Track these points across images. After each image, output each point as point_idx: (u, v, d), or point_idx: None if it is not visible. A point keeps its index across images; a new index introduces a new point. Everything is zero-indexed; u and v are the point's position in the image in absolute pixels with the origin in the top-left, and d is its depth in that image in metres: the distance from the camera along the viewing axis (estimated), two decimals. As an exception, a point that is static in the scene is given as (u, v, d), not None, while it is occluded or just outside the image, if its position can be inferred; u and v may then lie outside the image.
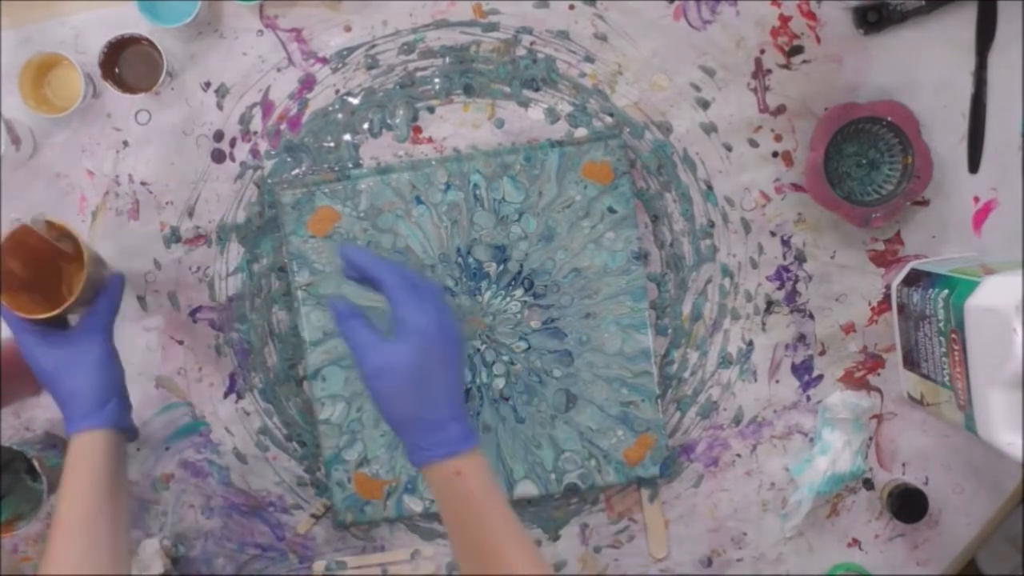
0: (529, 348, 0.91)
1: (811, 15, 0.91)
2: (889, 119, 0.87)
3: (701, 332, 0.94)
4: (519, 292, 0.91)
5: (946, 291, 0.80)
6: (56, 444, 0.90)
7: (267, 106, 0.91)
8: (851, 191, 0.92)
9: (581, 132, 0.92)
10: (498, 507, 0.70)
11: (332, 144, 0.92)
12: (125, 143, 0.91)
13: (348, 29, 0.91)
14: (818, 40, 0.91)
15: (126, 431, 0.81)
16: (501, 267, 0.90)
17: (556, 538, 0.95)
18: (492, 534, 0.69)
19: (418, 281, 0.72)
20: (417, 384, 0.69)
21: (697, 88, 0.92)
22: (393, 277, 0.71)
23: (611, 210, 0.90)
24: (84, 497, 0.75)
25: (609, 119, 0.92)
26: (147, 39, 0.86)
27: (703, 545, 0.95)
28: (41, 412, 0.93)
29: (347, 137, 0.92)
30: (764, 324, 0.94)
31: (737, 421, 0.94)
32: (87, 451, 0.77)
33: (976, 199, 0.93)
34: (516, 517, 0.71)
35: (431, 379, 0.69)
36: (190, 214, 0.92)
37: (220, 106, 0.91)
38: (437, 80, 0.92)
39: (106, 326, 0.81)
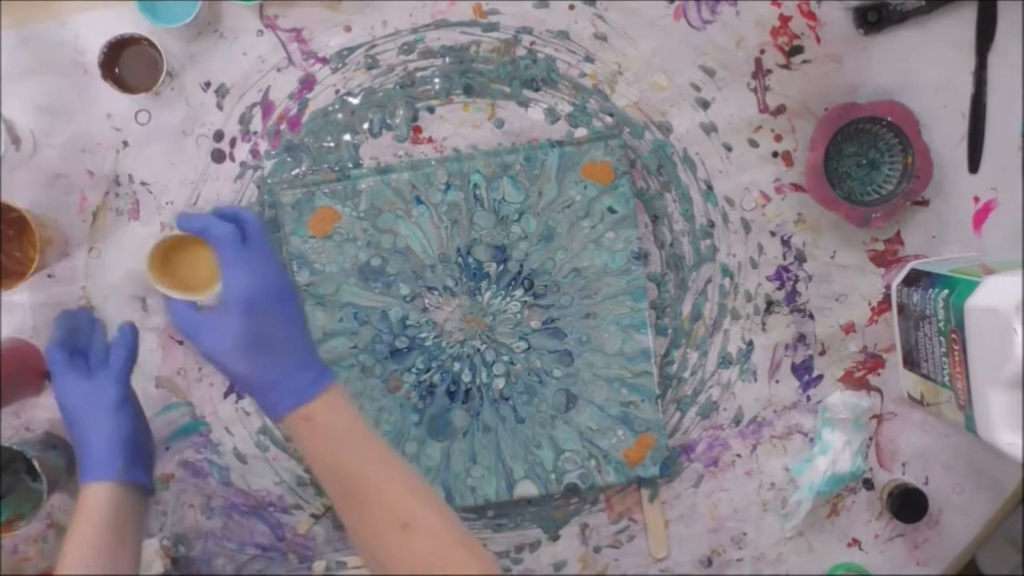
0: (529, 348, 0.91)
1: (811, 15, 0.91)
2: (889, 119, 0.87)
3: (701, 332, 0.94)
4: (519, 292, 0.91)
5: (946, 291, 0.80)
6: (56, 444, 0.90)
7: (267, 106, 0.91)
8: (851, 191, 0.92)
9: (581, 132, 0.92)
10: (357, 438, 0.69)
11: (332, 144, 0.92)
12: (125, 143, 0.91)
13: (348, 29, 0.91)
14: (818, 40, 0.91)
15: (140, 486, 0.81)
16: (501, 267, 0.90)
17: (556, 538, 0.95)
18: (352, 465, 0.68)
19: (250, 232, 0.70)
20: (251, 347, 0.68)
21: (697, 88, 0.92)
22: (222, 238, 0.69)
23: (611, 210, 0.90)
24: (82, 550, 0.75)
25: (609, 119, 0.92)
26: (147, 39, 0.86)
27: (703, 545, 0.95)
28: (41, 412, 0.93)
29: (347, 137, 0.92)
30: (764, 324, 0.94)
31: (737, 421, 0.94)
32: (91, 503, 0.77)
33: (976, 199, 0.93)
34: (382, 443, 0.70)
35: (265, 339, 0.68)
36: (190, 214, 0.92)
37: (220, 106, 0.91)
38: (437, 80, 0.92)
39: (119, 376, 0.81)
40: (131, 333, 0.84)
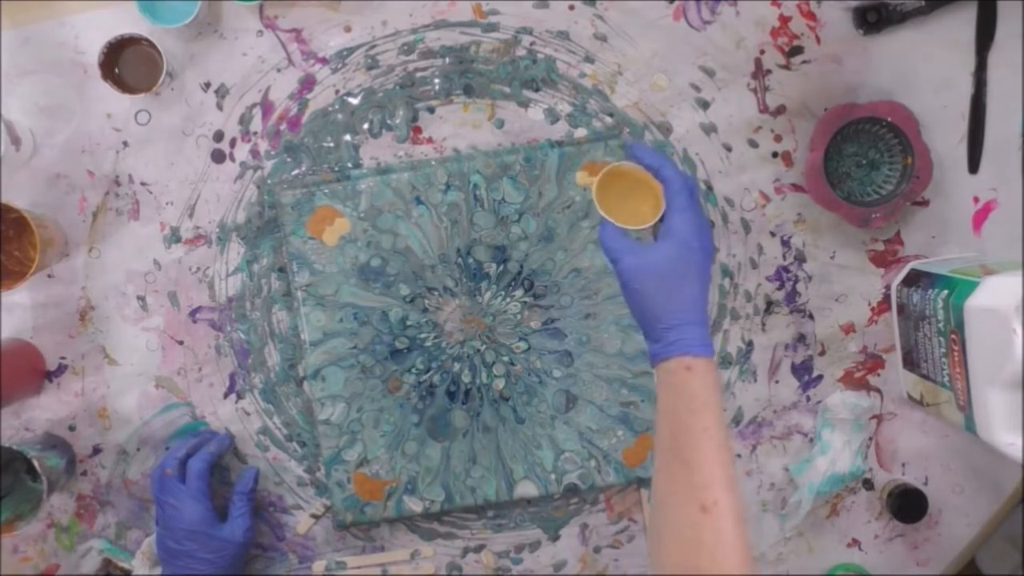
0: (529, 348, 0.91)
1: (811, 15, 0.91)
2: (889, 119, 0.87)
3: (701, 332, 0.94)
4: (519, 292, 0.91)
5: (946, 291, 0.80)
6: (56, 444, 0.91)
7: (267, 106, 0.91)
8: (851, 191, 0.92)
9: (581, 132, 0.92)
10: (712, 410, 0.71)
11: (332, 144, 0.92)
12: (125, 143, 0.91)
13: (348, 29, 0.91)
14: (818, 40, 0.91)
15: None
16: (501, 267, 0.90)
17: (556, 538, 0.95)
18: (695, 432, 0.70)
19: (695, 190, 0.76)
20: (669, 286, 0.72)
21: (697, 88, 0.92)
22: (677, 182, 0.74)
23: (611, 210, 0.90)
24: None
25: (609, 119, 0.92)
26: (147, 39, 0.86)
27: (703, 545, 0.95)
28: (41, 412, 0.93)
29: (347, 137, 0.92)
30: (764, 324, 0.94)
31: (737, 421, 0.94)
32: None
33: (976, 199, 0.93)
34: (726, 427, 0.73)
35: (683, 283, 0.72)
36: (190, 214, 0.92)
37: (220, 106, 0.91)
38: (437, 80, 0.92)
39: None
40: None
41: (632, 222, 0.76)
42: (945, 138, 0.92)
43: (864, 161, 0.92)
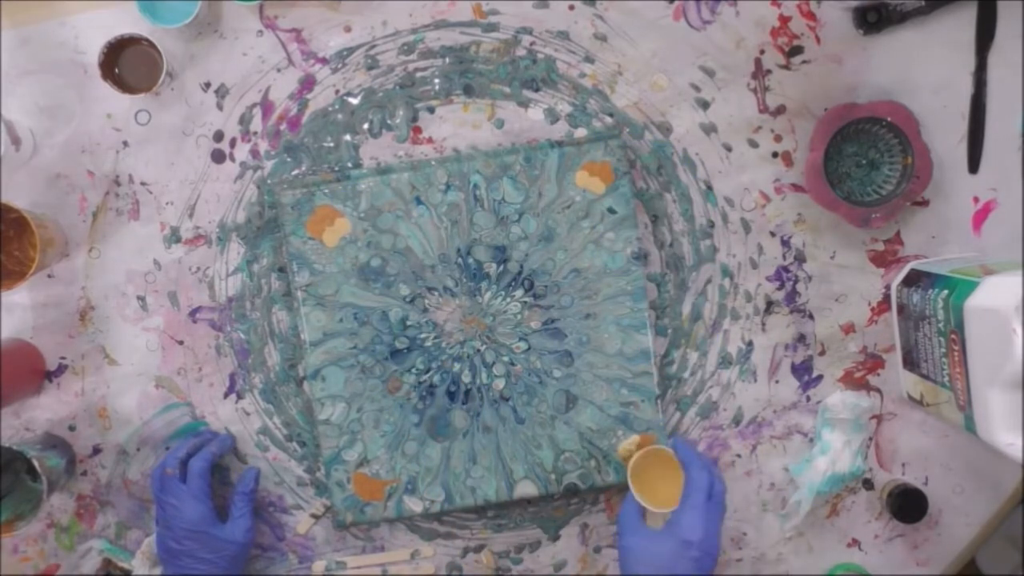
0: (529, 348, 0.91)
1: (811, 15, 0.91)
2: (889, 119, 0.87)
3: (701, 332, 0.94)
4: (519, 292, 0.91)
5: (946, 291, 0.80)
6: (56, 444, 0.91)
7: (267, 106, 0.91)
8: (851, 191, 0.92)
9: (581, 132, 0.92)
10: None
11: (332, 144, 0.92)
12: (125, 143, 0.91)
13: (348, 29, 0.91)
14: (818, 40, 0.91)
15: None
16: (501, 267, 0.90)
17: (556, 538, 0.95)
18: None
19: (719, 492, 0.80)
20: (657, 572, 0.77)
21: (697, 88, 0.92)
22: (699, 481, 0.79)
23: (611, 211, 0.90)
24: None
25: (609, 119, 0.92)
26: (147, 39, 0.86)
27: (703, 545, 0.95)
28: (41, 412, 0.93)
29: (347, 137, 0.92)
30: (764, 324, 0.94)
31: (737, 421, 0.94)
32: None
33: (976, 199, 0.93)
34: None
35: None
36: (190, 214, 0.92)
37: (220, 106, 0.91)
38: (437, 80, 0.92)
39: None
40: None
41: (654, 502, 0.84)
42: (945, 138, 0.92)
43: (864, 161, 0.92)
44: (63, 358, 0.93)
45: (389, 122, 0.92)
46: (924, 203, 0.92)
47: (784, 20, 0.91)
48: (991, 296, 0.74)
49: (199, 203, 0.92)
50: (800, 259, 0.93)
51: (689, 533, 0.77)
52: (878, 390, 0.94)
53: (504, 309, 0.91)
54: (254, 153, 0.92)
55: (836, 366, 0.94)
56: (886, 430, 0.95)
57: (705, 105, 0.92)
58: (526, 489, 0.92)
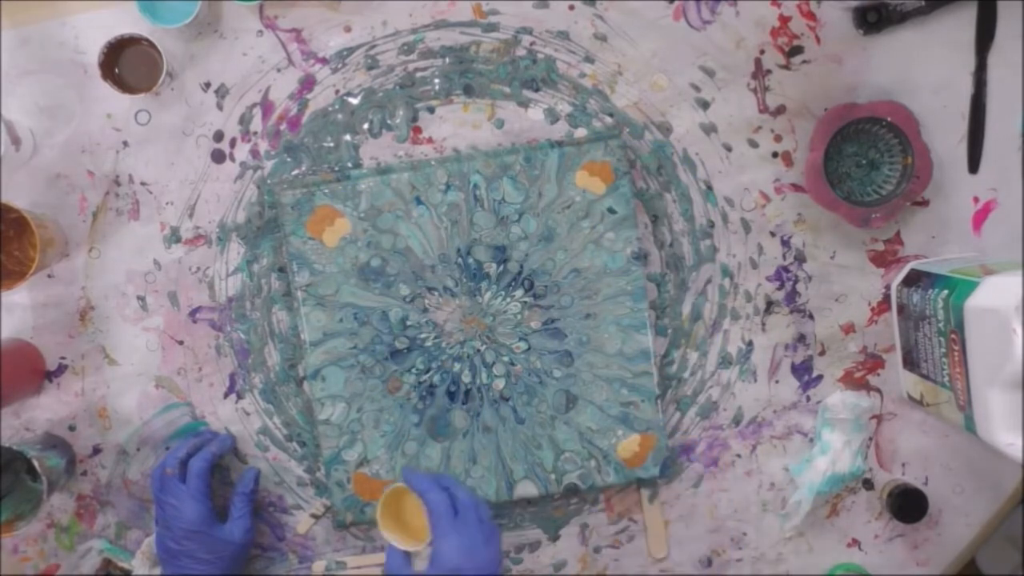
0: (529, 349, 0.91)
1: (811, 15, 0.91)
2: (889, 119, 0.87)
3: (701, 332, 0.94)
4: (519, 292, 0.91)
5: (946, 291, 0.80)
6: (56, 444, 0.91)
7: (267, 106, 0.91)
8: (851, 191, 0.92)
9: (581, 132, 0.92)
10: None
11: (332, 144, 0.92)
12: (125, 143, 0.91)
13: (348, 29, 0.91)
14: (818, 40, 0.91)
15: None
16: (501, 267, 0.90)
17: (556, 538, 0.95)
18: None
19: (465, 503, 0.78)
20: None
21: (697, 88, 0.92)
22: (438, 506, 0.77)
23: (611, 211, 0.90)
24: None
25: (609, 119, 0.92)
26: (147, 39, 0.86)
27: (703, 545, 0.95)
28: (41, 412, 0.93)
29: (347, 137, 0.92)
30: (764, 324, 0.94)
31: (737, 421, 0.94)
32: None
33: (976, 199, 0.93)
34: None
35: None
36: (190, 214, 0.92)
37: (220, 106, 0.91)
38: (437, 80, 0.92)
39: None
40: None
41: (413, 542, 0.82)
42: (945, 138, 0.92)
43: (864, 161, 0.92)
44: (63, 358, 0.93)
45: (389, 122, 0.92)
46: (924, 203, 0.92)
47: (784, 20, 0.91)
48: (991, 296, 0.74)
49: (199, 203, 0.92)
50: (800, 259, 0.93)
51: (448, 560, 0.75)
52: (878, 390, 0.94)
53: (504, 309, 0.91)
54: (254, 153, 0.92)
55: (836, 366, 0.94)
56: (886, 430, 0.95)
57: (705, 105, 0.92)
58: (526, 489, 0.92)
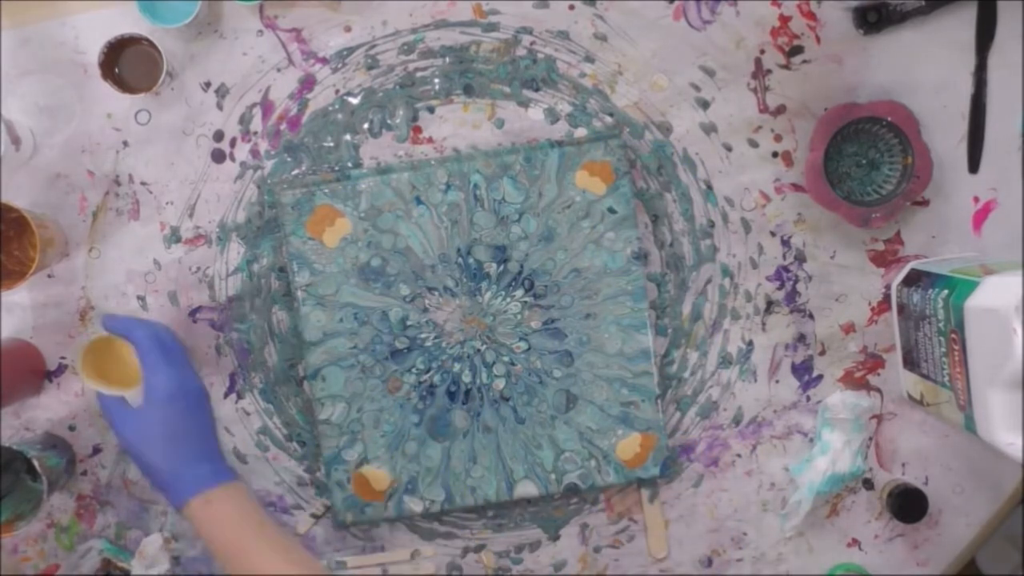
0: (529, 348, 0.91)
1: (811, 15, 0.91)
2: (889, 119, 0.87)
3: (701, 332, 0.94)
4: (519, 292, 0.91)
5: (946, 291, 0.80)
6: (56, 444, 0.91)
7: (267, 106, 0.92)
8: (851, 191, 0.92)
9: (581, 132, 0.92)
10: (246, 529, 0.76)
11: (332, 144, 0.92)
12: (125, 143, 0.91)
13: (348, 29, 0.91)
14: (818, 40, 0.91)
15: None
16: (501, 267, 0.90)
17: (556, 538, 0.95)
18: (240, 559, 0.75)
19: (168, 343, 0.81)
20: (166, 440, 0.78)
21: (697, 88, 0.92)
22: (145, 341, 0.79)
23: (611, 210, 0.90)
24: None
25: (609, 119, 0.92)
26: (147, 39, 0.86)
27: (703, 545, 0.95)
28: (41, 412, 0.93)
29: (347, 137, 0.92)
30: (764, 324, 0.94)
31: (737, 421, 0.95)
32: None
33: (976, 199, 0.93)
34: (280, 532, 0.78)
35: (178, 433, 0.78)
36: (190, 214, 0.92)
37: (220, 106, 0.91)
38: (437, 80, 0.92)
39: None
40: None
41: (123, 386, 0.80)
42: (945, 138, 0.92)
43: (864, 161, 0.92)
44: (63, 358, 0.93)
45: (389, 122, 0.92)
46: (924, 203, 0.92)
47: (784, 20, 0.91)
48: (991, 296, 0.74)
49: (199, 203, 0.92)
50: (800, 259, 0.93)
51: (164, 389, 0.77)
52: (878, 390, 0.94)
53: (504, 309, 0.91)
54: (254, 153, 0.92)
55: (836, 366, 0.94)
56: (886, 430, 0.95)
57: (705, 105, 0.92)
58: (526, 489, 0.92)
